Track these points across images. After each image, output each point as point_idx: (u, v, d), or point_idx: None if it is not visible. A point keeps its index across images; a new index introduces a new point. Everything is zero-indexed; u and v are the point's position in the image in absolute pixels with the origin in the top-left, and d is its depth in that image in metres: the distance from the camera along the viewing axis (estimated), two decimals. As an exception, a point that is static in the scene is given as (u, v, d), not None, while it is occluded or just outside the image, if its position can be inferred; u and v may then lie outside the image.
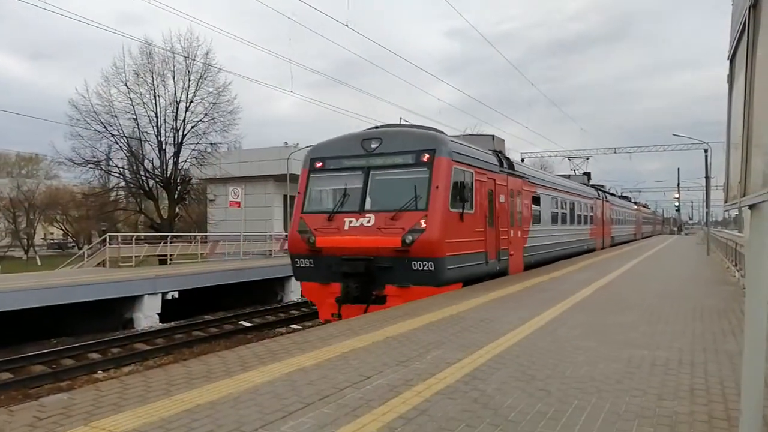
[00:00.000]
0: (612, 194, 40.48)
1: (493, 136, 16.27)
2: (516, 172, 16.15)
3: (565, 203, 21.87)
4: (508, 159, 16.06)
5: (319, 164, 12.73)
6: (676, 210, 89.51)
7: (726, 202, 4.03)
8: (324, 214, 12.05)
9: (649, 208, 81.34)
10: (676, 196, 75.45)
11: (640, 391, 4.47)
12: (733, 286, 12.47)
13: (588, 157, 47.52)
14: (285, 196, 29.08)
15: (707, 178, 56.49)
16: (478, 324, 7.42)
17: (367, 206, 11.73)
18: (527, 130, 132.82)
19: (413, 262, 11.03)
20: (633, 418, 3.85)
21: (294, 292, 20.97)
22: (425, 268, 11.02)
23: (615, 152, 65.60)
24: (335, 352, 5.80)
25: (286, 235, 27.77)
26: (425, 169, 11.47)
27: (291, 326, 15.60)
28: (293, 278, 20.51)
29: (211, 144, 27.59)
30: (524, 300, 9.82)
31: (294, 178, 28.46)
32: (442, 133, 13.08)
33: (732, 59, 3.99)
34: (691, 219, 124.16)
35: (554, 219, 20.17)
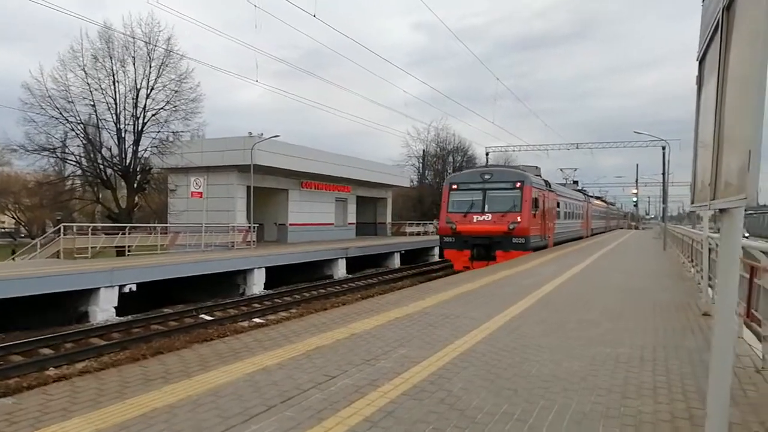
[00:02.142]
0: (591, 196, 53.95)
1: (537, 166, 27.95)
2: (551, 189, 27.13)
3: (570, 205, 33.50)
4: (547, 181, 26.93)
5: (455, 186, 23.26)
6: (634, 205, 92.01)
7: (693, 202, 4.04)
8: (460, 213, 22.35)
9: (615, 205, 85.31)
10: (635, 191, 77.52)
11: (605, 389, 4.49)
12: (689, 281, 12.80)
13: (575, 169, 57.77)
14: (248, 187, 28.57)
15: (664, 174, 58.13)
16: (444, 320, 7.38)
17: (486, 209, 22.07)
18: (492, 124, 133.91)
19: (513, 239, 21.23)
20: (599, 418, 3.85)
21: (256, 284, 20.68)
22: (519, 242, 21.25)
23: (577, 147, 66.73)
24: (299, 350, 5.66)
25: (249, 227, 27.61)
26: (518, 191, 21.99)
27: (254, 320, 15.34)
28: (255, 271, 20.45)
29: (173, 132, 26.83)
30: (489, 295, 9.85)
31: (258, 168, 28.10)
32: (530, 172, 24.81)
33: (702, 60, 3.99)
34: (647, 214, 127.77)
35: (566, 216, 31.78)
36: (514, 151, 72.08)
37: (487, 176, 22.94)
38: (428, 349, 5.80)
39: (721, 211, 2.97)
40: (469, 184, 22.90)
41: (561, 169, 53.40)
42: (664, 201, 55.63)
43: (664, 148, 58.97)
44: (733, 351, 2.94)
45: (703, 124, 3.88)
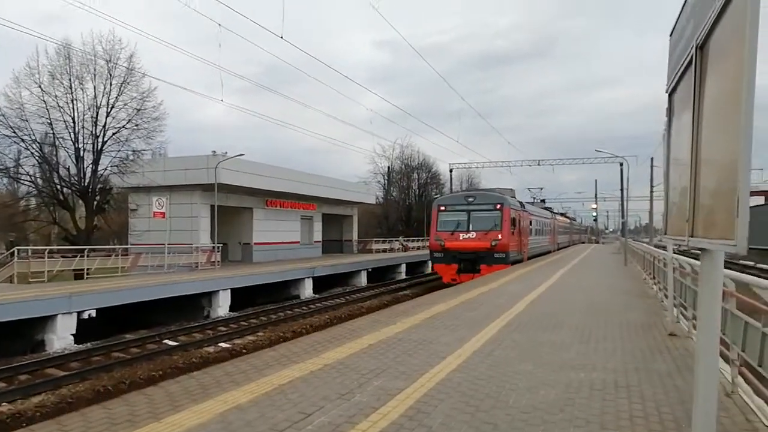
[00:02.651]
0: (556, 213, 58.01)
1: (512, 189, 31.92)
2: (525, 209, 30.42)
3: (540, 223, 36.82)
4: (521, 202, 31.09)
5: (443, 208, 26.23)
6: (594, 220, 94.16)
7: (666, 233, 4.09)
8: (448, 232, 25.23)
9: (576, 221, 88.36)
10: (594, 206, 79.50)
11: (583, 420, 4.47)
12: (652, 298, 13.05)
13: (542, 188, 60.62)
14: (212, 207, 28.07)
15: (622, 190, 59.63)
16: (417, 347, 7.30)
17: (471, 228, 24.99)
18: (455, 141, 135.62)
19: (495, 254, 24.05)
20: (580, 453, 3.82)
21: (221, 307, 20.23)
22: (501, 257, 24.13)
23: (539, 164, 68.32)
24: (272, 384, 5.50)
25: (213, 247, 27.08)
26: (499, 212, 24.99)
27: (220, 344, 14.96)
28: (220, 293, 20.01)
29: (134, 151, 26.24)
30: (461, 318, 9.83)
31: (222, 187, 27.67)
32: (507, 194, 27.81)
33: (672, 93, 4.06)
34: (607, 228, 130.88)
35: (537, 233, 35.01)
36: (477, 167, 73.30)
37: (471, 199, 26.31)
38: (404, 379, 5.71)
39: (702, 249, 3.00)
40: (456, 206, 26.10)
41: (529, 189, 57.83)
42: (623, 216, 57.03)
43: (621, 165, 60.65)
44: (717, 391, 2.95)
45: (676, 155, 3.93)
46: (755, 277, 4.51)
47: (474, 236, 24.82)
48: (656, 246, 43.66)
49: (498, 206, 25.32)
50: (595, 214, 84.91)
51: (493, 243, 24.29)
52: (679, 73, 3.60)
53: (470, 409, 4.73)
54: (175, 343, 14.92)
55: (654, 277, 14.76)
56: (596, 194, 77.62)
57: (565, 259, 32.67)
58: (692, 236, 3.02)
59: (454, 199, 27.52)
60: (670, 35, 4.24)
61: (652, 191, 47.66)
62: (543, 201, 56.62)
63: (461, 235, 25.07)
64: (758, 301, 4.63)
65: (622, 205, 61.43)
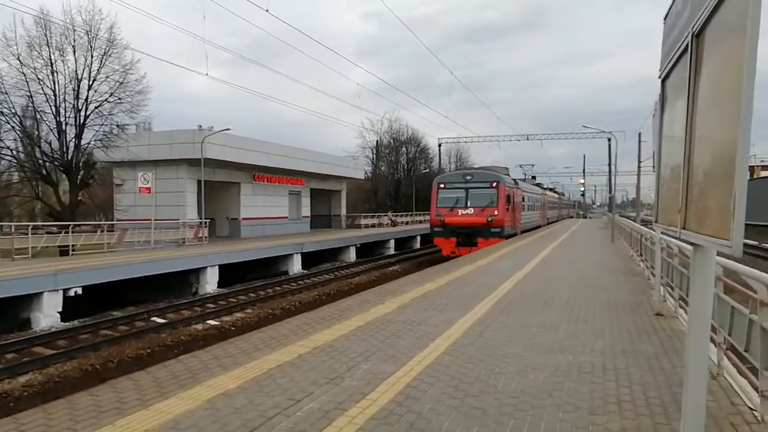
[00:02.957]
0: (546, 188, 60.95)
1: (506, 167, 35.80)
2: (518, 186, 32.93)
3: (531, 199, 39.22)
4: (515, 180, 34.02)
5: (442, 186, 28.25)
6: (582, 194, 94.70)
7: (657, 221, 4.06)
8: (447, 208, 27.22)
9: (564, 196, 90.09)
10: (582, 181, 79.87)
11: (572, 405, 4.50)
12: (639, 276, 13.18)
13: (533, 165, 63.91)
14: (199, 182, 27.79)
15: (610, 165, 59.88)
16: (406, 328, 7.31)
17: (469, 204, 26.95)
18: (443, 116, 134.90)
19: (491, 229, 26.02)
20: (569, 440, 3.85)
21: (209, 283, 20.16)
22: (496, 231, 26.06)
23: (528, 139, 68.36)
24: (260, 368, 5.47)
25: (201, 222, 26.89)
26: (495, 189, 27.06)
27: (208, 322, 14.95)
28: (208, 269, 19.92)
29: (118, 126, 25.78)
30: (450, 297, 9.86)
31: (209, 162, 27.36)
32: (502, 173, 30.31)
33: (665, 79, 3.99)
34: (594, 203, 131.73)
35: (529, 208, 37.32)
36: (465, 142, 73.19)
37: (468, 177, 28.38)
38: (393, 362, 5.71)
39: (693, 245, 2.97)
40: (455, 184, 28.20)
41: (521, 165, 60.20)
42: (611, 191, 57.34)
43: (609, 140, 60.73)
44: (706, 381, 2.95)
45: (669, 144, 3.88)
46: (743, 266, 4.52)
47: (472, 212, 26.92)
48: (642, 221, 44.21)
49: (494, 184, 27.46)
50: (583, 189, 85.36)
51: (490, 218, 26.52)
52: (674, 60, 3.53)
53: (459, 394, 4.74)
54: (163, 321, 14.89)
55: (641, 255, 14.89)
56: (584, 169, 77.95)
57: (555, 234, 33.08)
58: (684, 228, 2.99)
59: (453, 177, 29.88)
60: (664, 20, 4.15)
61: (639, 166, 47.78)
62: (534, 177, 60.01)
63: (460, 211, 27.14)
64: (745, 287, 4.64)
65: (610, 180, 61.74)
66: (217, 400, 4.55)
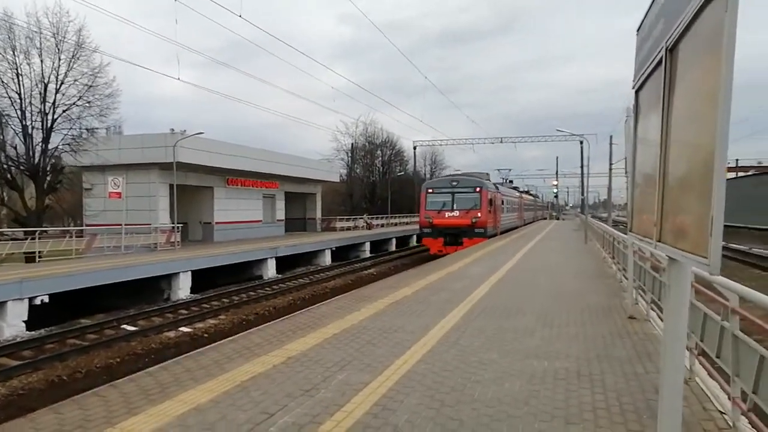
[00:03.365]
0: (522, 192, 65.00)
1: (487, 173, 39.43)
2: (498, 191, 36.20)
3: (509, 202, 42.63)
4: (495, 184, 38.29)
5: (430, 190, 30.95)
6: (555, 196, 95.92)
7: (631, 230, 4.08)
8: (435, 210, 29.92)
9: (539, 198, 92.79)
10: (555, 183, 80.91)
11: (548, 414, 4.49)
12: (611, 278, 13.34)
13: (510, 169, 65.90)
14: (172, 186, 27.32)
15: (582, 168, 60.79)
16: (382, 336, 7.26)
17: (455, 207, 29.51)
18: (418, 119, 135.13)
19: (475, 229, 28.55)
20: (545, 451, 3.83)
21: (182, 289, 19.81)
22: (480, 232, 28.52)
23: (502, 141, 68.99)
24: (233, 380, 5.36)
25: (173, 227, 26.45)
26: (478, 194, 29.68)
27: (180, 329, 14.67)
28: (180, 275, 19.57)
29: (87, 129, 25.22)
30: (425, 303, 9.83)
31: (181, 165, 26.93)
32: (484, 178, 33.73)
33: (639, 90, 4.01)
34: (567, 204, 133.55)
35: (507, 210, 40.62)
36: (441, 145, 73.49)
37: (454, 183, 31.46)
38: (369, 372, 5.65)
39: (669, 257, 2.98)
40: (442, 189, 31.22)
41: (498, 170, 63.49)
42: (583, 193, 58.27)
43: (581, 143, 61.73)
44: (682, 392, 2.95)
45: (643, 153, 3.90)
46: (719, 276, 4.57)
47: (457, 214, 29.87)
48: (614, 222, 44.92)
49: (477, 189, 30.54)
50: (555, 190, 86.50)
51: (474, 220, 29.58)
52: (647, 73, 3.54)
53: (436, 404, 4.70)
54: (134, 329, 14.55)
55: (614, 257, 15.08)
56: (557, 171, 78.99)
57: (530, 235, 33.64)
58: (660, 241, 2.99)
59: (441, 182, 33.06)
60: (637, 31, 4.18)
61: (611, 169, 48.63)
62: (511, 181, 63.90)
63: (446, 213, 30.07)
64: (715, 293, 4.69)
65: (582, 183, 62.72)
66: (188, 416, 4.43)
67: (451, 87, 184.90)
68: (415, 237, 48.23)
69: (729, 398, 4.16)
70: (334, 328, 7.71)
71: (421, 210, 31.23)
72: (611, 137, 46.95)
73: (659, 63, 3.14)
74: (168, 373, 5.66)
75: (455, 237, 29.24)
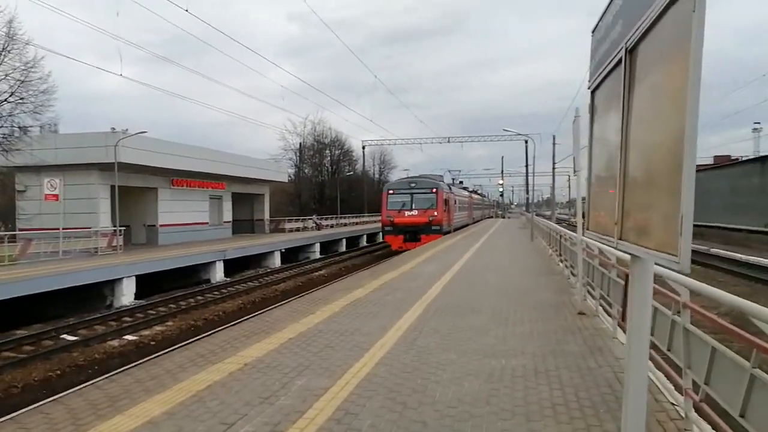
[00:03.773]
0: (474, 191, 70.97)
1: (441, 175, 46.49)
2: (451, 191, 39.68)
3: (461, 201, 45.97)
4: (449, 185, 42.15)
5: (391, 191, 33.76)
6: (500, 195, 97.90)
7: (589, 229, 4.15)
8: (396, 210, 32.59)
9: (486, 197, 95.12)
10: (500, 182, 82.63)
11: (509, 412, 4.53)
12: (559, 275, 13.69)
13: (460, 171, 72.47)
14: (113, 187, 26.27)
15: (527, 167, 62.18)
16: (340, 339, 7.17)
17: (413, 207, 32.52)
18: (367, 119, 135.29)
19: (432, 227, 31.81)
20: (510, 450, 3.85)
21: (126, 295, 19.07)
22: (436, 229, 31.96)
23: (449, 141, 69.93)
24: (188, 390, 5.16)
25: (115, 230, 25.45)
26: (434, 194, 33.17)
27: (125, 337, 14.10)
28: (124, 280, 18.83)
29: (19, 127, 23.89)
30: (380, 303, 9.79)
31: (123, 166, 25.93)
32: (439, 180, 38.92)
33: (595, 90, 4.08)
34: (512, 203, 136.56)
35: (460, 209, 44.19)
36: (389, 144, 73.80)
37: (413, 184, 34.72)
38: (328, 376, 5.56)
39: (633, 255, 3.03)
40: (401, 190, 34.28)
41: (449, 171, 66.60)
42: (527, 192, 59.66)
43: (526, 142, 63.15)
44: (647, 389, 3.02)
45: (600, 153, 3.96)
46: (667, 270, 4.72)
47: (416, 213, 32.83)
48: (558, 219, 46.10)
49: (433, 190, 33.83)
50: (501, 189, 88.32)
51: (431, 218, 32.65)
52: (605, 73, 3.60)
53: (398, 407, 4.67)
54: (74, 338, 13.88)
55: (560, 255, 15.48)
56: (502, 171, 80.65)
57: (479, 233, 34.49)
58: (621, 239, 3.04)
59: (400, 184, 36.01)
60: (593, 33, 4.26)
61: (554, 168, 50.14)
62: (461, 182, 67.58)
63: (406, 212, 32.97)
64: (665, 288, 4.85)
65: (527, 181, 64.18)
66: (142, 431, 4.23)
67: (398, 86, 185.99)
68: (365, 237, 48.32)
69: (682, 391, 4.29)
70: (290, 332, 7.57)
71: (383, 209, 33.75)
72: (554, 137, 48.29)
73: (618, 63, 3.19)
74: (117, 385, 5.40)
75: (414, 234, 31.85)
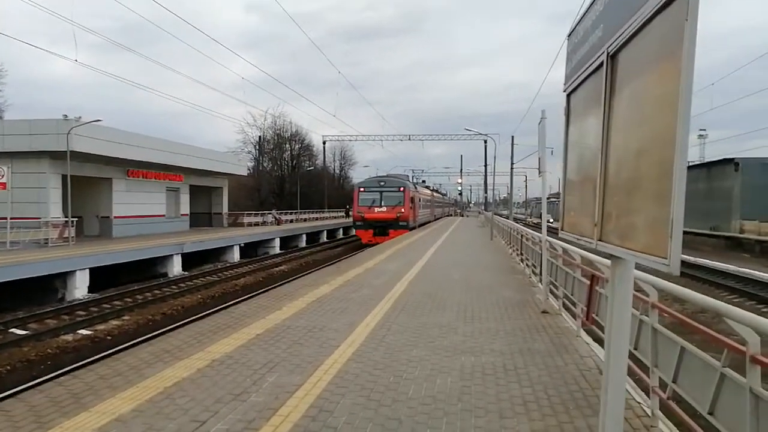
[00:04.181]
0: (435, 190, 73.78)
1: (407, 175, 57.36)
2: (417, 190, 43.33)
3: (424, 200, 49.68)
4: (415, 184, 49.44)
5: (362, 189, 37.44)
6: (459, 194, 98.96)
7: (563, 229, 4.23)
8: (366, 206, 35.89)
9: (446, 195, 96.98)
10: (459, 181, 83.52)
11: (482, 410, 4.60)
12: (520, 274, 13.95)
13: (423, 170, 77.79)
14: (65, 176, 25.30)
15: (486, 166, 62.95)
16: (308, 335, 7.12)
17: (383, 204, 35.90)
18: (329, 114, 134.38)
19: (399, 222, 34.91)
20: (485, 446, 3.91)
21: (79, 288, 18.41)
22: (403, 224, 34.97)
23: (409, 139, 70.23)
24: (156, 387, 5.03)
25: (67, 221, 24.55)
26: (402, 193, 36.71)
27: (79, 332, 13.62)
28: (77, 273, 18.18)
29: (-35, 112, 22.80)
30: (346, 300, 9.77)
31: (76, 155, 25.02)
32: (406, 179, 44.90)
33: (571, 93, 4.16)
34: (470, 202, 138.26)
35: (423, 207, 47.54)
36: (350, 140, 73.63)
37: (382, 183, 38.41)
38: (299, 373, 5.51)
39: (613, 256, 3.10)
40: (371, 188, 37.70)
41: (413, 170, 73.70)
42: (486, 191, 60.66)
43: (485, 142, 64.00)
44: (624, 392, 3.10)
45: (576, 155, 4.03)
46: (636, 270, 4.86)
47: (385, 210, 36.02)
48: (515, 219, 46.83)
49: (401, 189, 37.24)
50: (460, 188, 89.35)
51: (398, 215, 35.74)
52: (583, 77, 3.66)
53: (372, 405, 4.67)
54: (24, 332, 13.31)
55: (521, 254, 15.77)
56: (461, 170, 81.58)
57: (440, 231, 35.14)
58: (601, 240, 3.11)
59: (371, 182, 39.51)
60: (568, 36, 4.33)
61: (512, 168, 50.98)
62: (424, 181, 72.59)
63: (376, 209, 36.16)
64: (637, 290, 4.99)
65: (486, 181, 65.06)
66: (110, 428, 4.10)
67: (356, 83, 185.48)
68: (325, 233, 48.10)
69: (649, 389, 4.44)
70: (257, 328, 7.47)
71: (354, 206, 37.10)
72: (513, 138, 49.14)
73: (598, 68, 3.26)
74: (80, 381, 5.20)
75: (383, 229, 34.96)
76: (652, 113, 2.45)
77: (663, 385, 4.19)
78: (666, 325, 4.30)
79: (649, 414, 4.41)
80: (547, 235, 9.48)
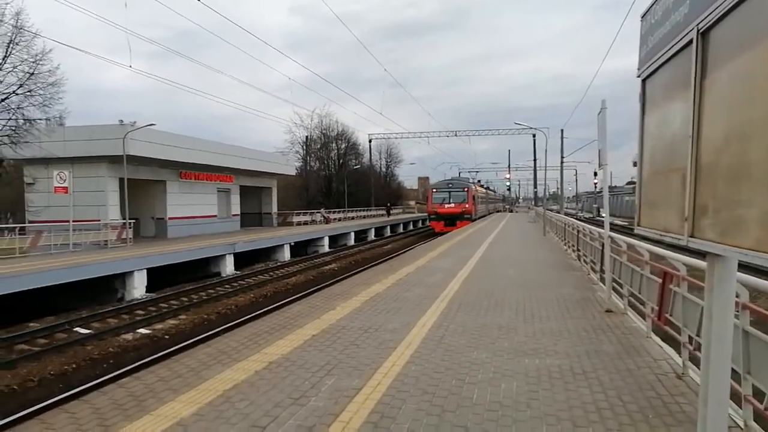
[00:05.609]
0: (487, 188, 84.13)
1: (469, 178, 77.46)
2: (477, 188, 60.78)
3: (481, 197, 62.27)
4: (474, 184, 64.50)
5: (434, 190, 51.41)
6: (508, 189, 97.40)
7: (640, 224, 3.92)
8: (438, 203, 48.90)
9: (496, 192, 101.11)
10: (507, 176, 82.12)
11: (553, 417, 4.33)
12: (578, 271, 13.45)
13: (477, 171, 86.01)
14: (122, 180, 26.14)
15: (535, 160, 61.76)
16: (364, 336, 6.98)
17: (451, 201, 48.64)
18: (377, 112, 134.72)
19: (464, 215, 47.30)
20: (561, 458, 3.65)
21: (137, 288, 18.95)
22: (468, 217, 47.46)
23: (456, 135, 69.57)
24: (215, 390, 4.98)
25: (125, 223, 25.38)
26: (466, 192, 50.13)
27: (139, 330, 13.96)
28: (135, 273, 18.69)
29: (28, 120, 23.75)
30: (400, 299, 9.59)
31: (132, 159, 25.83)
32: (467, 181, 61.27)
33: (647, 78, 3.85)
34: (519, 197, 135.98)
35: (481, 203, 61.34)
36: (395, 138, 73.49)
37: (450, 185, 50.80)
38: (358, 376, 5.36)
39: (711, 254, 2.80)
40: (442, 189, 49.88)
41: (469, 171, 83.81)
42: (536, 186, 59.89)
43: (534, 136, 62.81)
44: (728, 402, 2.80)
45: (655, 144, 3.72)
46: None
47: (453, 206, 47.33)
48: (566, 213, 45.86)
49: (465, 189, 49.70)
50: (508, 183, 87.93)
51: (463, 210, 46.87)
52: (664, 59, 3.36)
53: (436, 410, 4.47)
54: (88, 331, 13.75)
55: (578, 250, 15.23)
56: (509, 165, 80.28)
57: (491, 226, 34.80)
58: (694, 237, 2.81)
59: (441, 184, 51.96)
60: (642, 17, 4.02)
61: (562, 162, 49.71)
62: (479, 181, 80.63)
63: (446, 205, 47.58)
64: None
65: (535, 175, 63.73)
66: (172, 433, 4.05)
67: (401, 80, 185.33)
68: (373, 231, 48.22)
69: (740, 397, 4.07)
70: (312, 329, 7.38)
71: (429, 203, 49.93)
72: (562, 131, 47.93)
73: (684, 47, 2.96)
74: (140, 383, 5.22)
75: (452, 220, 45.37)
76: (761, 93, 2.17)
77: (757, 393, 3.83)
78: (759, 328, 3.92)
79: (741, 425, 4.04)
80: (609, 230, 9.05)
